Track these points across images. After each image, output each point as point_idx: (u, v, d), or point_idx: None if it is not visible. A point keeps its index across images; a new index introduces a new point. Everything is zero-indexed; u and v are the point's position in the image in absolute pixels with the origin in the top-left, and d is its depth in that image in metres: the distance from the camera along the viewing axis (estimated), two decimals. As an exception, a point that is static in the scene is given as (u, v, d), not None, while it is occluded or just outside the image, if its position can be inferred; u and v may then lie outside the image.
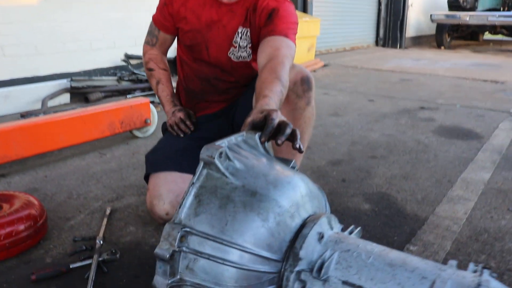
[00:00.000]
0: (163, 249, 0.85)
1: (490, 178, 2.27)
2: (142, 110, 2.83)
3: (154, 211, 1.60)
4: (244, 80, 1.72)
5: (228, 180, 0.90)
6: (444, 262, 1.50)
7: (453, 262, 0.87)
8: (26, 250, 1.53)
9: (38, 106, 3.69)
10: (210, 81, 1.72)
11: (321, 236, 0.89)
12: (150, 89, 4.27)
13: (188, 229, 0.86)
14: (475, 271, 0.81)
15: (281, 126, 1.18)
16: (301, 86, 1.50)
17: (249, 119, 1.30)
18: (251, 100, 1.56)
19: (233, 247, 0.83)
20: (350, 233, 0.98)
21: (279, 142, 1.19)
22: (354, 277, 0.82)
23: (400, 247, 1.59)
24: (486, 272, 0.80)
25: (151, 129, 2.98)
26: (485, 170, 2.39)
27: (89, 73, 4.38)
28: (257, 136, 1.04)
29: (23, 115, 3.37)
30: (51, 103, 3.82)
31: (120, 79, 4.38)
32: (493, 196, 2.05)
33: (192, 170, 1.69)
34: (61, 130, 2.40)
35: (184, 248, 0.85)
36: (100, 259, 1.46)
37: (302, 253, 0.85)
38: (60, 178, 2.21)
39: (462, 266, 1.46)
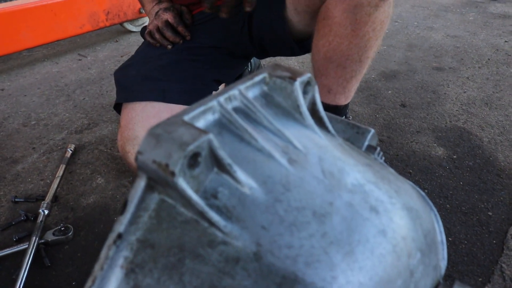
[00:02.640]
0: None
1: None
2: (135, -4, 2.15)
3: (128, 161, 1.05)
4: None
5: (215, 232, 0.32)
6: None
7: None
8: None
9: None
10: None
11: None
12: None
13: None
14: None
15: None
16: None
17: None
18: None
19: None
20: None
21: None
22: None
23: (500, 232, 1.04)
24: None
25: (148, 20, 2.32)
26: None
27: None
28: (297, 84, 0.42)
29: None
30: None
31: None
32: None
33: (184, 99, 1.10)
34: (25, 24, 1.78)
35: None
36: (42, 241, 0.96)
37: None
38: (21, 93, 1.66)
39: None
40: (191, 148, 0.31)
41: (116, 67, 1.85)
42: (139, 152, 0.32)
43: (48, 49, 2.02)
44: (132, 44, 2.13)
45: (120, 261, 0.33)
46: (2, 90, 1.68)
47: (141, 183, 0.34)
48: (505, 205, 1.12)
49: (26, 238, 0.99)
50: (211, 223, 0.32)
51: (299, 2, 0.95)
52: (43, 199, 1.08)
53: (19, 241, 0.98)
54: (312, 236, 0.32)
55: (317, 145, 0.40)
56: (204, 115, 0.36)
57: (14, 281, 0.87)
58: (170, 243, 0.33)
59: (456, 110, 1.58)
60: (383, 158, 0.54)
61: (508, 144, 1.38)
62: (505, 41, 2.30)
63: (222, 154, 0.33)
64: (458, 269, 0.93)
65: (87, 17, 1.98)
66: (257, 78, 0.42)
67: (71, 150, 1.26)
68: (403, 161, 1.28)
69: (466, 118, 1.53)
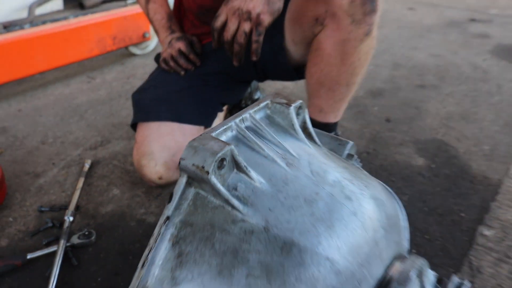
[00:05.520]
0: None
1: None
2: (139, 21, 2.31)
3: (143, 173, 1.19)
4: None
5: (236, 214, 0.47)
6: (536, 257, 1.10)
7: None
8: (-26, 228, 1.17)
9: (24, 14, 3.16)
10: None
11: (411, 323, 0.47)
12: (153, -7, 3.67)
13: (157, 318, 0.44)
14: None
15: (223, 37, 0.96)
16: (361, 6, 0.96)
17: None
18: (278, 18, 1.06)
19: None
20: (456, 296, 0.56)
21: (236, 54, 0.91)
22: None
23: (470, 230, 1.18)
24: None
25: (152, 44, 2.48)
26: None
27: (82, -27, 3.75)
28: (292, 109, 0.58)
29: (6, 26, 2.86)
30: (40, 10, 3.28)
31: (118, -20, 3.76)
32: None
33: (194, 120, 1.24)
34: (40, 49, 1.93)
35: None
36: (69, 244, 1.09)
37: None
38: (37, 113, 1.79)
39: None
40: (220, 155, 0.45)
41: (123, 88, 2.01)
42: (182, 158, 0.47)
43: (59, 71, 2.16)
44: (137, 66, 2.28)
45: (168, 236, 0.47)
46: (19, 110, 1.82)
47: (183, 180, 0.48)
48: (476, 207, 1.27)
49: (54, 242, 1.12)
50: (233, 207, 0.46)
51: (296, 34, 1.11)
52: (66, 208, 1.22)
53: (48, 244, 1.11)
54: (303, 215, 0.46)
55: (307, 153, 0.54)
56: (225, 132, 0.51)
57: (47, 278, 1.00)
58: (204, 222, 0.47)
59: (436, 124, 1.74)
60: (361, 163, 0.69)
61: (481, 154, 1.54)
62: (483, 60, 2.47)
63: (240, 159, 0.47)
64: (433, 262, 1.07)
65: (96, 42, 2.13)
66: (262, 104, 0.57)
67: (88, 164, 1.40)
68: (386, 171, 1.42)
69: (444, 131, 1.69)
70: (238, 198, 0.47)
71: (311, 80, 1.15)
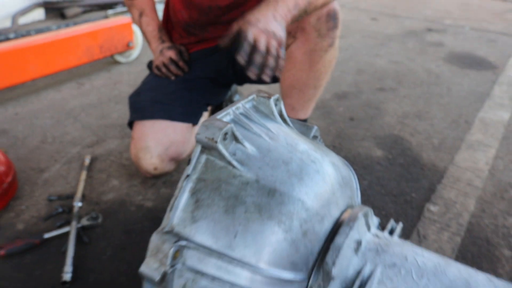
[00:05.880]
0: (151, 268, 0.63)
1: (510, 119, 2.06)
2: (123, 31, 2.48)
3: (140, 165, 1.37)
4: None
5: (236, 171, 0.67)
6: (470, 226, 1.34)
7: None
8: (-8, 215, 1.32)
9: (7, 24, 3.28)
10: (212, 10, 1.34)
11: (358, 245, 0.68)
12: (131, 3, 3.84)
13: (183, 242, 0.64)
14: None
15: (256, 49, 0.94)
16: (326, 23, 1.19)
17: (220, 41, 1.03)
18: None
19: (245, 268, 0.62)
20: (391, 232, 0.78)
21: (251, 75, 0.94)
22: (403, 305, 0.63)
23: (419, 207, 1.42)
24: None
25: (135, 53, 2.66)
26: (504, 109, 2.17)
27: (62, -15, 3.89)
28: (272, 100, 0.79)
29: (-11, 35, 2.98)
30: (22, 20, 3.41)
31: (98, -9, 3.92)
32: (516, 140, 1.86)
33: (184, 118, 1.44)
34: (33, 58, 2.08)
35: (179, 266, 0.64)
36: (79, 225, 1.26)
37: (335, 271, 0.64)
38: (33, 116, 1.95)
39: (490, 232, 1.30)
40: (224, 130, 0.65)
41: (112, 93, 2.18)
42: (197, 133, 0.67)
43: (49, 78, 2.31)
44: (122, 73, 2.45)
45: (188, 188, 0.67)
46: (16, 114, 1.97)
47: (198, 149, 0.68)
48: (425, 189, 1.51)
49: (65, 224, 1.29)
50: (234, 167, 0.67)
51: None
52: (73, 197, 1.39)
53: (60, 226, 1.28)
54: (282, 172, 0.67)
55: (283, 131, 0.75)
56: (226, 116, 0.71)
57: (64, 253, 1.17)
58: (213, 178, 0.67)
59: (393, 122, 1.99)
60: (323, 143, 0.90)
61: (431, 147, 1.79)
62: (436, 66, 2.76)
63: (238, 134, 0.68)
64: (387, 231, 1.29)
65: (84, 50, 2.30)
66: (250, 97, 0.78)
67: (88, 160, 1.57)
68: (350, 161, 1.65)
69: (400, 128, 1.93)
70: (237, 160, 0.67)
71: (284, 84, 1.37)
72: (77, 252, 1.18)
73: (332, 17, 1.19)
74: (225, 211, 0.65)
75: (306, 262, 0.66)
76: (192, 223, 0.65)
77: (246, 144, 0.69)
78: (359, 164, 1.64)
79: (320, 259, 0.67)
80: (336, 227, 0.69)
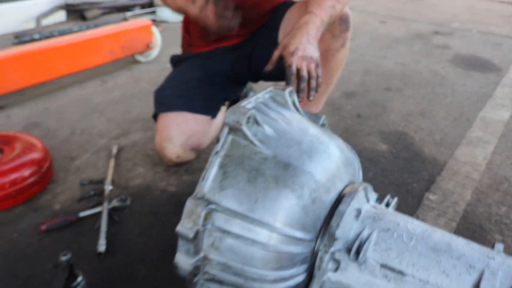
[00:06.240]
0: (185, 227, 0.77)
1: (510, 118, 2.17)
2: (144, 33, 2.64)
3: (164, 154, 1.51)
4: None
5: (257, 149, 0.80)
6: (465, 213, 1.46)
7: (500, 246, 0.80)
8: (33, 196, 1.47)
9: (31, 25, 3.46)
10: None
11: (358, 213, 0.81)
12: (150, 4, 4.01)
13: (213, 206, 0.77)
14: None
15: (301, 78, 1.15)
16: (339, 25, 1.35)
17: (266, 67, 1.20)
18: (273, 31, 1.40)
19: (264, 227, 0.76)
20: (387, 205, 0.91)
21: (299, 99, 1.10)
22: (394, 261, 0.76)
23: (419, 196, 1.54)
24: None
25: (154, 53, 2.81)
26: (504, 109, 2.28)
27: (83, -13, 4.07)
28: (287, 92, 0.92)
29: (17, 36, 3.16)
30: (45, 22, 3.58)
31: (117, -6, 4.09)
32: (514, 138, 1.97)
33: (204, 111, 1.58)
34: (61, 57, 2.24)
35: (209, 226, 0.78)
36: (110, 206, 1.41)
37: (338, 233, 0.77)
38: (62, 111, 2.10)
39: (483, 219, 1.42)
40: (247, 114, 0.79)
41: (134, 90, 2.33)
42: (226, 117, 0.80)
43: (74, 77, 2.46)
44: (143, 72, 2.60)
45: (217, 163, 0.81)
46: (46, 109, 2.12)
47: (225, 130, 0.81)
48: (425, 180, 1.63)
49: (97, 205, 1.43)
50: (255, 145, 0.80)
51: None
52: (103, 182, 1.53)
53: (93, 207, 1.42)
54: (295, 150, 0.80)
55: (296, 118, 0.89)
56: (248, 104, 0.85)
57: (97, 230, 1.31)
58: (237, 155, 0.81)
59: (398, 119, 2.11)
60: (331, 130, 1.03)
61: (433, 142, 1.91)
62: (442, 67, 2.87)
63: (258, 118, 0.81)
64: (388, 216, 1.42)
65: (108, 50, 2.45)
66: (268, 90, 0.91)
67: (115, 149, 1.72)
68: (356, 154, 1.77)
69: (404, 125, 2.06)
70: (257, 140, 0.80)
71: None
72: (109, 229, 1.33)
73: (344, 21, 1.34)
74: (248, 181, 0.78)
75: (314, 225, 0.79)
76: (220, 191, 0.79)
77: (265, 127, 0.82)
78: (365, 157, 1.76)
79: (326, 224, 0.80)
80: (340, 198, 0.83)
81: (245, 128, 0.79)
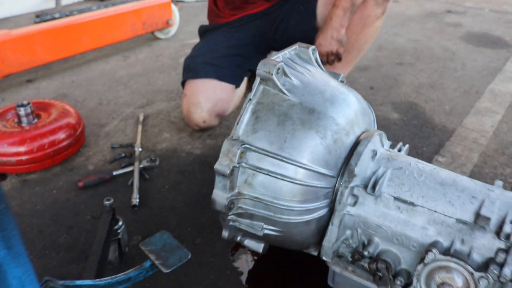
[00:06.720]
0: (223, 164, 0.87)
1: (519, 89, 2.24)
2: (164, 10, 2.73)
3: (191, 118, 1.62)
4: None
5: (285, 96, 0.90)
6: (472, 174, 1.55)
7: (499, 183, 0.90)
8: (68, 158, 1.58)
9: (51, 5, 3.57)
10: None
11: (374, 154, 0.91)
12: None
13: (247, 146, 0.88)
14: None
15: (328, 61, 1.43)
16: None
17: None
18: (310, 3, 1.55)
19: (292, 163, 0.86)
20: (399, 150, 1.01)
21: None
22: (406, 194, 0.86)
23: (429, 158, 1.63)
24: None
25: (173, 30, 2.90)
26: (514, 81, 2.35)
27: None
28: (310, 50, 1.02)
29: (38, 15, 3.27)
30: (64, 1, 3.68)
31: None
32: (522, 108, 2.05)
33: (230, 80, 1.68)
34: (85, 33, 2.35)
35: (243, 164, 0.88)
36: (141, 166, 1.52)
37: (357, 170, 0.87)
38: (88, 83, 2.21)
39: (489, 178, 1.51)
40: (277, 66, 0.89)
41: (155, 65, 2.43)
42: (258, 69, 0.90)
43: (97, 52, 2.57)
44: (162, 48, 2.71)
45: (250, 109, 0.91)
46: (73, 81, 2.24)
47: (257, 80, 0.91)
48: (435, 145, 1.72)
49: (129, 165, 1.54)
50: (284, 93, 0.90)
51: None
52: (132, 146, 1.64)
53: (124, 167, 1.54)
54: (318, 98, 0.90)
55: (319, 72, 0.98)
56: (277, 58, 0.95)
57: (130, 186, 1.43)
58: (268, 102, 0.91)
59: (410, 91, 2.19)
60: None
61: (442, 112, 1.99)
62: (453, 44, 2.94)
63: (287, 69, 0.91)
64: (400, 175, 1.52)
65: (129, 27, 2.55)
66: (293, 47, 1.01)
67: (142, 116, 1.83)
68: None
69: (415, 96, 2.14)
70: (286, 89, 0.90)
71: None
72: (140, 186, 1.44)
73: None
74: (277, 124, 0.88)
75: (335, 164, 0.89)
76: (253, 133, 0.89)
77: (292, 78, 0.92)
78: (378, 124, 1.83)
79: (346, 163, 0.90)
80: (358, 141, 0.93)
81: (275, 78, 0.89)
